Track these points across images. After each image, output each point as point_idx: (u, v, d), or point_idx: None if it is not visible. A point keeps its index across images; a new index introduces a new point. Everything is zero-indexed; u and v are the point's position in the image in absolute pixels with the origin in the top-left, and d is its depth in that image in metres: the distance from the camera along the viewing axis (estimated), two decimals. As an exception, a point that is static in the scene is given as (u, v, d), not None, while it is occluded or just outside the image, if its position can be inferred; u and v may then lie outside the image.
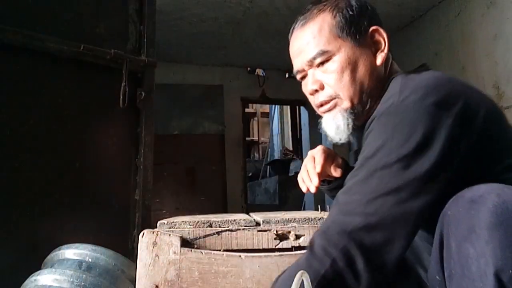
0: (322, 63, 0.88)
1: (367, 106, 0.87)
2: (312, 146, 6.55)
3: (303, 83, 0.95)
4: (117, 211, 1.73)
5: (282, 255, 0.80)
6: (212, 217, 0.91)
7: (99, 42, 1.69)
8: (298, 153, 6.78)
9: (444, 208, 0.65)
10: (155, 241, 0.79)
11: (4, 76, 1.46)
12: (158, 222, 0.85)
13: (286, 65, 5.51)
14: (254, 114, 9.99)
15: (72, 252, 1.19)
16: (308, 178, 0.97)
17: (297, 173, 6.05)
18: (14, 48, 1.46)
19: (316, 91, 0.90)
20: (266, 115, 9.81)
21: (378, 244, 0.66)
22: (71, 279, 1.07)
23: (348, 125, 0.87)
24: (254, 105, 9.45)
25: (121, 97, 1.68)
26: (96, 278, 1.10)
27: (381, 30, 0.89)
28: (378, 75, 0.88)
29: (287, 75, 5.67)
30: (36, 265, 1.25)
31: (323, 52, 0.87)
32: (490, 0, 2.96)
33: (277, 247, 0.82)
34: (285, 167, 6.56)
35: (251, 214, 1.02)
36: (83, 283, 1.07)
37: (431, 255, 0.70)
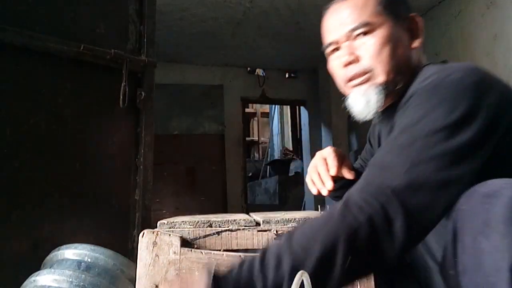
0: (361, 35, 0.88)
1: (397, 87, 0.87)
2: (312, 146, 6.55)
3: (333, 56, 0.95)
4: (117, 211, 1.73)
5: (282, 255, 0.79)
6: (212, 217, 0.91)
7: (99, 42, 1.69)
8: (298, 153, 6.78)
9: (457, 204, 0.65)
10: (155, 241, 0.79)
11: (4, 76, 1.46)
12: (158, 222, 0.85)
13: (286, 65, 5.52)
14: (254, 114, 10.00)
15: (71, 252, 1.19)
16: (319, 180, 0.96)
17: (297, 173, 6.07)
18: (14, 48, 1.46)
19: (350, 63, 0.89)
20: (266, 115, 9.81)
21: (421, 206, 0.64)
22: (70, 279, 1.07)
23: (378, 101, 0.87)
24: (254, 105, 9.45)
25: (121, 97, 1.68)
26: (95, 278, 1.10)
27: (419, 18, 0.91)
28: (411, 60, 0.89)
29: (287, 75, 5.67)
30: (36, 265, 1.25)
31: (366, 24, 0.87)
32: (490, 0, 2.96)
33: (277, 247, 0.82)
34: (285, 167, 6.56)
35: (251, 214, 1.02)
36: (82, 283, 1.07)
37: (445, 250, 0.69)
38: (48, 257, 1.25)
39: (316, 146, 5.42)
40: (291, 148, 7.56)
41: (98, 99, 1.71)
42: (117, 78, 1.70)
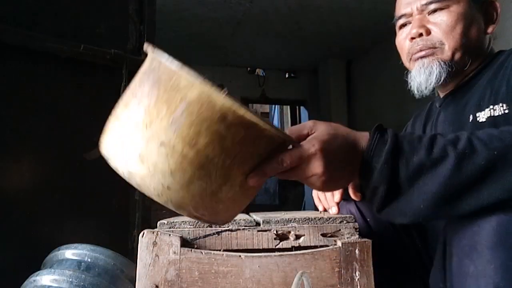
0: (435, 11, 0.88)
1: (466, 67, 0.88)
2: (312, 146, 6.50)
3: (401, 31, 0.95)
4: (117, 211, 1.73)
5: (282, 255, 0.79)
6: (212, 217, 0.91)
7: (99, 42, 1.69)
8: (298, 153, 6.78)
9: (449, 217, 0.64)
10: (155, 241, 0.79)
11: (4, 76, 1.46)
12: (158, 222, 0.85)
13: (286, 65, 5.53)
14: (254, 114, 9.98)
15: (71, 252, 1.19)
16: (325, 200, 0.94)
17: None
18: (14, 48, 1.46)
19: (420, 35, 0.89)
20: (266, 115, 9.81)
21: None
22: (70, 279, 1.07)
23: (441, 76, 0.86)
24: (254, 105, 9.44)
25: (121, 97, 1.68)
26: (95, 278, 1.10)
27: (497, 4, 0.91)
28: (484, 44, 0.89)
29: (287, 75, 5.67)
30: (36, 265, 1.25)
31: None
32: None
33: (277, 247, 0.82)
34: (285, 167, 6.55)
35: (251, 214, 1.02)
36: (82, 283, 1.07)
37: (434, 262, 0.69)
38: (48, 257, 1.25)
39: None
40: (291, 148, 7.55)
41: (98, 99, 1.71)
42: (117, 78, 1.70)
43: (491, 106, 0.78)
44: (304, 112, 5.97)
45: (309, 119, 5.75)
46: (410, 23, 0.92)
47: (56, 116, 1.58)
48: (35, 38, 1.50)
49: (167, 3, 3.43)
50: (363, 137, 0.62)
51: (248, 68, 5.39)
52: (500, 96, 0.78)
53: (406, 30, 0.93)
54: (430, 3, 0.88)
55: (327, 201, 0.92)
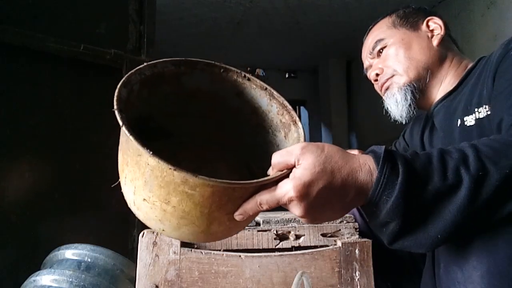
0: (380, 51, 1.02)
1: (428, 81, 0.96)
2: (312, 146, 6.46)
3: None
4: (117, 211, 1.73)
5: (282, 255, 0.79)
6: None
7: (99, 42, 1.69)
8: (298, 153, 6.77)
9: None
10: (155, 241, 0.79)
11: (4, 76, 1.46)
12: (158, 222, 0.85)
13: (286, 65, 5.53)
14: (254, 114, 9.98)
15: (71, 252, 1.19)
16: None
17: (297, 173, 6.08)
18: (14, 48, 1.46)
19: (377, 75, 1.02)
20: (266, 115, 9.80)
21: None
22: (70, 279, 1.07)
23: (406, 99, 0.95)
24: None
25: (121, 97, 1.68)
26: (95, 278, 1.10)
27: (436, 18, 1.00)
28: (437, 53, 0.97)
29: (287, 75, 5.67)
30: (36, 265, 1.25)
31: (379, 41, 1.02)
32: (490, 0, 2.97)
33: (277, 247, 0.82)
34: (285, 167, 6.55)
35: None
36: (82, 283, 1.07)
37: (424, 268, 0.70)
38: (48, 257, 1.25)
39: (316, 146, 5.41)
40: (291, 148, 7.55)
41: (98, 99, 1.71)
42: (117, 78, 1.69)
43: (476, 109, 0.80)
44: (304, 112, 5.97)
45: (309, 119, 5.76)
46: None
47: (56, 116, 1.58)
48: (35, 38, 1.50)
49: (167, 3, 3.43)
50: (363, 167, 0.55)
51: (248, 68, 5.39)
52: (483, 99, 0.79)
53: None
54: (373, 48, 1.04)
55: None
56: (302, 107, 6.04)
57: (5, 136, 1.44)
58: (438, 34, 0.98)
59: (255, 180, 0.54)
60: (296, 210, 0.55)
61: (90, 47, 1.63)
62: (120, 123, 0.57)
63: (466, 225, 0.55)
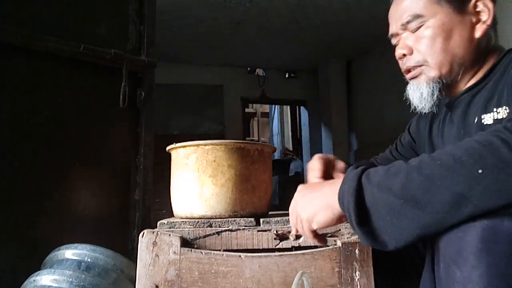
0: (417, 29, 0.88)
1: (459, 77, 0.88)
2: (312, 146, 6.51)
3: (396, 49, 0.96)
4: (117, 211, 1.73)
5: (282, 255, 0.79)
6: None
7: (99, 42, 1.69)
8: (298, 153, 6.78)
9: None
10: (155, 241, 0.79)
11: (4, 76, 1.46)
12: (158, 222, 0.85)
13: (286, 65, 5.53)
14: (254, 114, 9.98)
15: (71, 252, 1.19)
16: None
17: (297, 173, 6.09)
18: (14, 48, 1.46)
19: (404, 55, 0.90)
20: (266, 115, 9.80)
21: None
22: (70, 279, 1.07)
23: (432, 94, 0.87)
24: (254, 105, 9.44)
25: (121, 97, 1.68)
26: (95, 278, 1.10)
27: (487, 1, 0.88)
28: (476, 48, 0.87)
29: (287, 75, 5.67)
30: (36, 265, 1.25)
31: (417, 16, 0.87)
32: (490, 0, 2.95)
33: (277, 247, 0.82)
34: (285, 167, 6.56)
35: (251, 214, 1.02)
36: (82, 283, 1.07)
37: (424, 270, 0.70)
38: (48, 257, 1.25)
39: (316, 146, 5.42)
40: (291, 148, 7.56)
41: (98, 99, 1.71)
42: (117, 78, 1.69)
43: (495, 109, 0.78)
44: (304, 112, 5.97)
45: (309, 119, 5.76)
46: (399, 42, 0.94)
47: (56, 116, 1.58)
48: (35, 38, 1.50)
49: (167, 3, 3.43)
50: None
51: (248, 68, 5.39)
52: (503, 99, 0.77)
53: (397, 46, 0.95)
54: (408, 22, 0.89)
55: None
56: (302, 107, 6.04)
57: (5, 136, 1.44)
58: (483, 22, 0.87)
59: None
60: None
61: (90, 47, 1.63)
62: None
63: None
